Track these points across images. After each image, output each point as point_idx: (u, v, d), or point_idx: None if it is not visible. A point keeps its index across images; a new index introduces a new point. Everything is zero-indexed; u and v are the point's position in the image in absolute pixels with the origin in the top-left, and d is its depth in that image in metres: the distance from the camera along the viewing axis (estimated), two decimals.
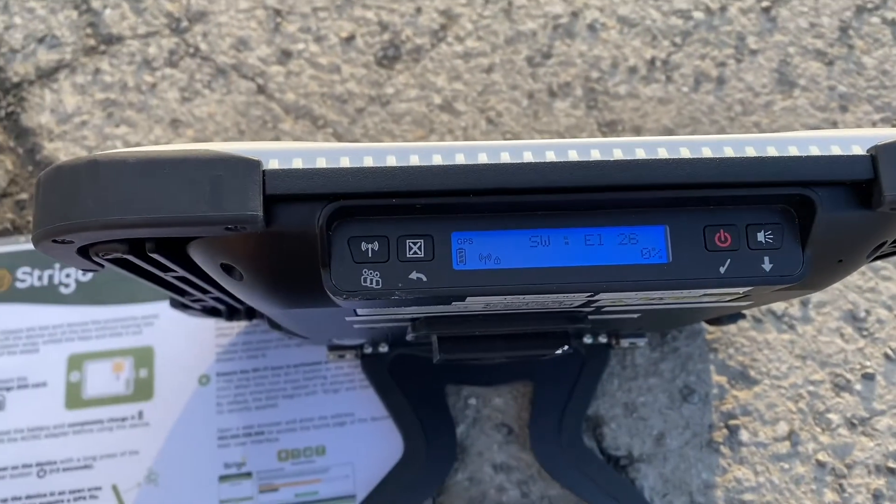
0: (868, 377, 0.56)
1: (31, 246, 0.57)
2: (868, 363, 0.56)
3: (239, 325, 0.55)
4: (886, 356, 0.56)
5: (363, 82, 0.64)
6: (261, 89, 0.63)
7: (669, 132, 0.63)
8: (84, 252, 0.29)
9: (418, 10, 0.66)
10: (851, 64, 0.66)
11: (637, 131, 0.63)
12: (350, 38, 0.65)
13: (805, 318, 0.57)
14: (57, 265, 0.56)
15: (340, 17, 0.66)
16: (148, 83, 0.63)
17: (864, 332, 0.57)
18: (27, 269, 0.56)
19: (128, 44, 0.65)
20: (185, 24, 0.65)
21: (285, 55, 0.64)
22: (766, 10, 0.67)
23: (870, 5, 0.68)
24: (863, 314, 0.57)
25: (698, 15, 0.67)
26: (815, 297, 0.57)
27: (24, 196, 0.60)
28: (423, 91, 0.64)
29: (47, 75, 0.63)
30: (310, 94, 0.63)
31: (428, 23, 0.66)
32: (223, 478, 0.51)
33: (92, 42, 0.65)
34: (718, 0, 0.68)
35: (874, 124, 0.64)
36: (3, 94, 0.63)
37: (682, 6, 0.67)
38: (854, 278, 0.58)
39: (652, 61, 0.65)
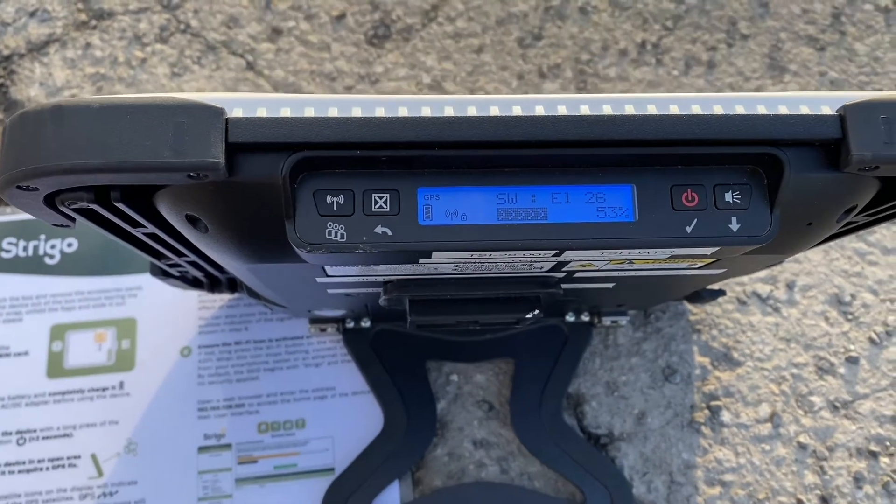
0: (852, 361, 0.55)
1: (17, 216, 0.57)
2: (852, 347, 0.56)
3: (221, 299, 0.55)
4: (871, 340, 0.56)
5: (353, 60, 0.64)
6: (250, 66, 0.63)
7: None
8: (50, 202, 0.29)
9: None
10: (843, 50, 0.66)
11: None
12: (341, 17, 0.65)
13: (790, 301, 0.57)
14: (42, 236, 0.56)
15: None
16: (138, 58, 0.63)
17: (849, 316, 0.57)
18: (12, 239, 0.56)
19: (119, 19, 0.65)
20: (176, 0, 0.65)
21: (276, 32, 0.65)
22: None
23: None
24: (848, 298, 0.57)
25: None
26: (801, 280, 0.57)
27: None
28: (412, 70, 0.64)
29: (38, 49, 0.63)
30: (299, 72, 0.63)
31: (419, 2, 0.66)
32: (202, 448, 0.51)
33: (83, 17, 0.65)
34: None
35: None
36: None
37: None
38: (840, 262, 0.58)
39: (643, 44, 0.65)
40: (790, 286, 0.57)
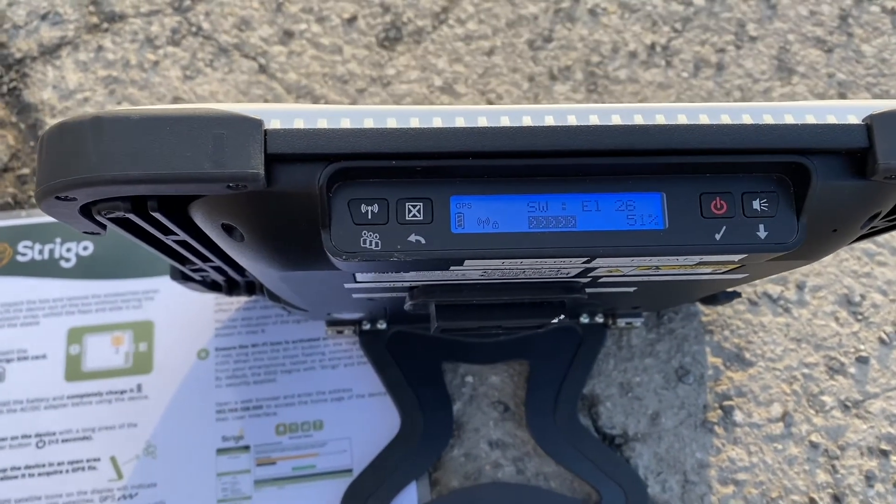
0: (862, 360, 0.56)
1: (32, 220, 0.57)
2: (862, 347, 0.56)
3: (238, 301, 0.56)
4: (881, 340, 0.56)
5: (364, 63, 0.64)
6: (262, 69, 0.64)
7: None
8: (86, 211, 0.29)
9: None
10: (850, 52, 0.66)
11: None
12: (352, 20, 0.66)
13: (800, 302, 0.57)
14: (58, 239, 0.56)
15: None
16: (150, 61, 0.63)
17: (859, 316, 0.57)
18: (28, 242, 0.56)
19: (130, 22, 0.65)
20: (187, 2, 0.66)
21: (287, 35, 0.65)
22: None
23: None
24: (858, 298, 0.58)
25: (699, 1, 0.68)
26: (811, 281, 0.58)
27: (25, 171, 0.60)
28: (423, 73, 0.64)
29: (50, 52, 0.64)
30: (311, 75, 0.64)
31: (429, 5, 0.66)
32: (221, 451, 0.51)
33: (95, 20, 0.65)
34: None
35: None
36: (6, 69, 0.63)
37: None
38: (850, 263, 0.59)
39: (652, 46, 0.66)
40: (800, 287, 0.58)
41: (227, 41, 0.64)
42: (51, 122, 0.61)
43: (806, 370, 0.56)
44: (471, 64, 0.65)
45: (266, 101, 0.62)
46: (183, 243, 0.34)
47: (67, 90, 0.62)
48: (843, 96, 0.64)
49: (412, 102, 0.63)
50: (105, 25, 0.65)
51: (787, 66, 0.65)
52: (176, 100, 0.62)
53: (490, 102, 0.63)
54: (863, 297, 0.58)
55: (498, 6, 0.67)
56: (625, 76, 0.65)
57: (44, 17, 0.65)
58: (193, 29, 0.65)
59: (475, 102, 0.63)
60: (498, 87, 0.64)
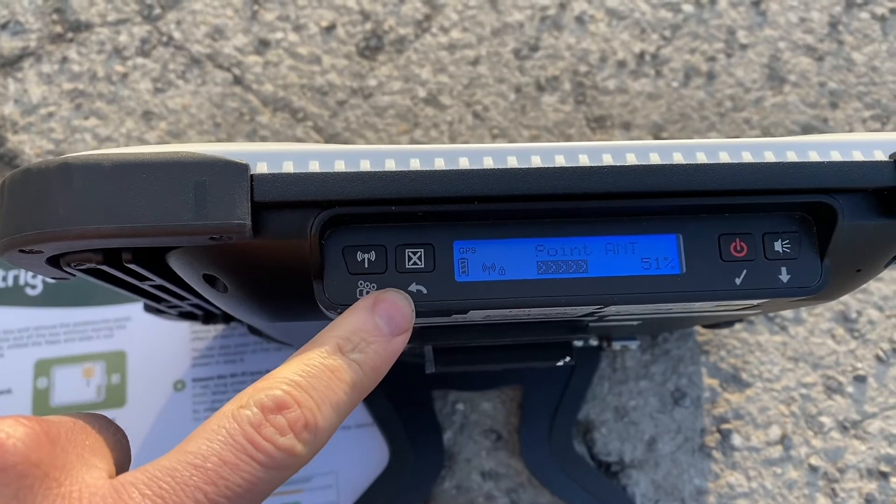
0: (859, 379, 0.55)
1: None
2: (859, 365, 0.55)
3: (215, 329, 0.53)
4: (877, 358, 0.55)
5: (344, 74, 0.62)
6: (237, 80, 0.61)
7: (659, 128, 0.61)
8: (54, 261, 0.27)
9: None
10: (841, 60, 0.65)
11: (626, 127, 0.61)
12: (331, 28, 0.63)
13: (797, 320, 0.56)
14: None
15: (321, 5, 0.64)
16: (119, 73, 0.60)
17: (856, 334, 0.56)
18: None
19: (97, 31, 0.62)
20: (157, 10, 0.62)
21: (263, 45, 0.62)
22: (756, 3, 0.66)
23: (859, 0, 0.67)
24: (854, 315, 0.56)
25: (688, 8, 0.66)
26: None
27: None
28: (406, 83, 0.62)
29: (11, 63, 0.60)
30: (289, 86, 0.61)
31: (411, 12, 0.64)
32: None
33: (58, 29, 0.61)
34: None
35: (864, 121, 0.63)
36: None
37: None
38: None
39: (641, 55, 0.64)
40: None
41: (200, 51, 0.61)
42: (13, 138, 0.58)
43: (804, 390, 0.54)
44: (455, 74, 0.62)
45: (241, 114, 0.60)
46: (160, 287, 0.32)
47: (30, 104, 0.59)
48: (834, 105, 0.63)
49: (395, 115, 0.60)
50: (70, 35, 0.61)
51: (779, 75, 0.64)
52: (146, 114, 0.59)
53: (476, 114, 0.61)
54: (859, 313, 0.57)
55: (482, 14, 0.64)
56: (614, 86, 0.63)
57: (3, 27, 0.61)
58: (164, 39, 0.62)
59: (461, 114, 0.61)
60: (484, 98, 0.62)
